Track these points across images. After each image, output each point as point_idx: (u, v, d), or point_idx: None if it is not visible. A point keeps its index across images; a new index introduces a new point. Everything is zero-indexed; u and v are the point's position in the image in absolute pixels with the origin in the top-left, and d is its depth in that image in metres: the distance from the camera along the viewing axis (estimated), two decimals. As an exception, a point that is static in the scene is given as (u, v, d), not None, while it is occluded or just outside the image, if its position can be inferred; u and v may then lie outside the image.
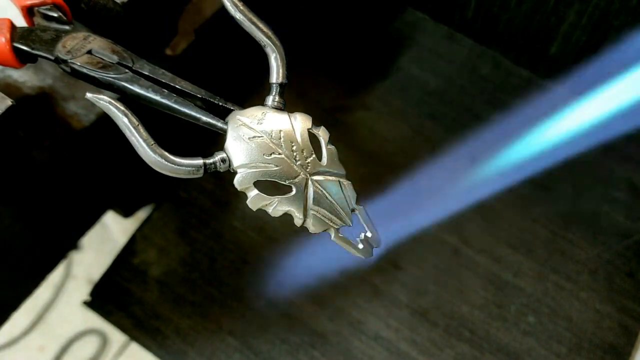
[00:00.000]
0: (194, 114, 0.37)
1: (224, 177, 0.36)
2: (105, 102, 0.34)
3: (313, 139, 0.36)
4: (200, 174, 0.36)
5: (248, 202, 0.35)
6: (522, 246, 0.70)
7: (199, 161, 0.36)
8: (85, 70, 0.38)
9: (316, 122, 0.37)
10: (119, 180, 0.63)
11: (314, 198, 0.35)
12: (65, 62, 0.39)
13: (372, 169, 0.75)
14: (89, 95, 0.35)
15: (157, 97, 0.37)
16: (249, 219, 0.70)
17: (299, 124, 0.36)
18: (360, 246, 0.36)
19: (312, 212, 0.35)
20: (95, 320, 0.67)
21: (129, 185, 0.66)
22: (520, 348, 0.65)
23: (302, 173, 0.35)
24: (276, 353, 0.65)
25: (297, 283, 0.67)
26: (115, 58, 0.39)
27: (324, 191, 0.35)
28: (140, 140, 0.34)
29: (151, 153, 0.34)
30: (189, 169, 0.36)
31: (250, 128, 0.35)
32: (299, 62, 0.57)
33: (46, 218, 0.54)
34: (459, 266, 0.69)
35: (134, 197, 0.70)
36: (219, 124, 0.36)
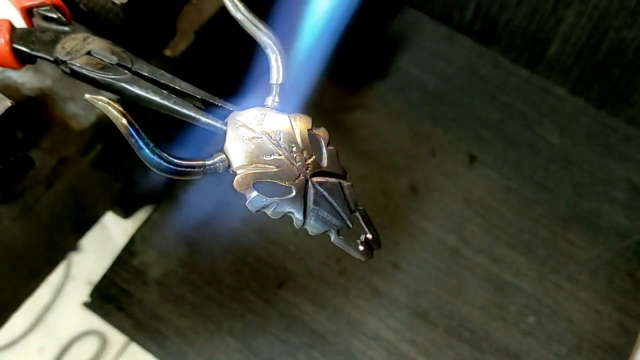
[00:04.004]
0: (193, 114, 0.37)
1: (223, 178, 0.36)
2: (103, 103, 0.34)
3: (313, 140, 0.36)
4: (200, 175, 0.36)
5: (247, 203, 0.35)
6: (522, 246, 0.70)
7: (199, 162, 0.35)
8: (84, 71, 0.38)
9: (316, 123, 0.37)
10: (119, 181, 0.63)
11: (314, 199, 0.35)
12: (64, 63, 0.39)
13: (371, 169, 0.75)
14: (87, 96, 0.35)
15: (157, 98, 0.37)
16: (248, 220, 0.70)
17: (299, 124, 0.36)
18: (361, 248, 0.36)
19: (312, 213, 0.35)
20: (95, 321, 0.67)
21: (129, 185, 0.66)
22: (520, 348, 0.65)
23: (302, 174, 0.35)
24: (276, 353, 0.65)
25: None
26: (114, 59, 0.39)
27: (324, 192, 0.35)
28: (140, 142, 0.34)
29: (150, 154, 0.34)
30: (188, 170, 0.35)
31: (250, 129, 0.35)
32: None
33: (46, 218, 0.54)
34: (459, 266, 0.69)
35: (134, 198, 0.70)
36: (219, 125, 0.36)
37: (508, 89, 0.80)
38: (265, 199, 0.35)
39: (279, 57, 0.38)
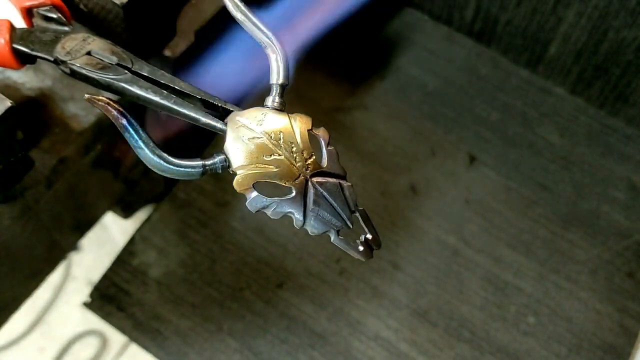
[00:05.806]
0: (193, 114, 0.37)
1: (223, 178, 0.36)
2: (103, 103, 0.34)
3: (313, 140, 0.36)
4: (200, 175, 0.36)
5: (247, 203, 0.35)
6: (522, 246, 0.70)
7: (199, 162, 0.35)
8: (84, 72, 0.38)
9: (316, 123, 0.37)
10: (119, 181, 0.63)
11: (313, 200, 0.35)
12: (64, 63, 0.39)
13: (371, 169, 0.75)
14: (87, 96, 0.35)
15: (157, 98, 0.37)
16: (248, 220, 0.70)
17: (299, 124, 0.36)
18: (361, 248, 0.36)
19: (311, 213, 0.35)
20: (94, 321, 0.67)
21: (129, 185, 0.66)
22: (520, 348, 0.65)
23: (302, 174, 0.35)
24: (276, 354, 0.65)
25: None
26: (114, 59, 0.39)
27: (324, 193, 0.35)
28: (140, 142, 0.34)
29: (150, 155, 0.34)
30: (188, 170, 0.35)
31: (250, 129, 0.35)
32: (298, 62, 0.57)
33: (46, 218, 0.54)
34: (459, 266, 0.69)
35: (134, 198, 0.70)
36: (219, 125, 0.36)
37: (508, 89, 0.80)
38: (265, 199, 0.35)
39: (279, 57, 0.38)
